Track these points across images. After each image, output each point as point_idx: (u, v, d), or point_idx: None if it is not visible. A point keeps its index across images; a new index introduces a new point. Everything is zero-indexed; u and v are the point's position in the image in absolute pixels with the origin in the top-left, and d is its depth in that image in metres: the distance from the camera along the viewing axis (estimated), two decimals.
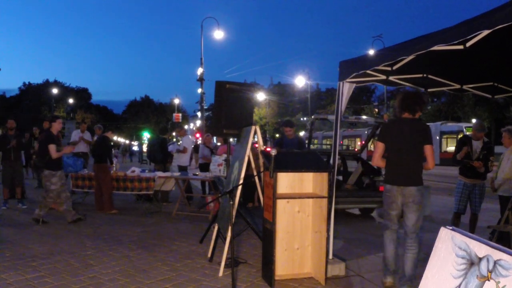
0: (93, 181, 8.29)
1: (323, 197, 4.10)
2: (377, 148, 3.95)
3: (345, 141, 39.46)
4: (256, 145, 6.14)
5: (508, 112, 32.60)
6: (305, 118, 52.13)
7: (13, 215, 7.64)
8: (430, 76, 5.01)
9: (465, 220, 5.94)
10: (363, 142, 15.00)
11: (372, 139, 9.49)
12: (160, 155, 9.50)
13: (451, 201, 6.31)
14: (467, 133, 24.37)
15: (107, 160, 8.18)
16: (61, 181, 6.88)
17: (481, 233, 5.42)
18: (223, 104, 4.95)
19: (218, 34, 22.65)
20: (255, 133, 4.65)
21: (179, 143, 11.52)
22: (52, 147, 6.69)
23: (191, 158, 10.20)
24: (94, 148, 8.94)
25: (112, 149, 9.55)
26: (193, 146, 10.34)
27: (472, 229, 5.73)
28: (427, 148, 3.80)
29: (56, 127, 7.05)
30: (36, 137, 11.34)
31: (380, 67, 4.25)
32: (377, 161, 3.99)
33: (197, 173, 8.64)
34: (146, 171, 8.61)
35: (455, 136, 26.52)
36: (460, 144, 5.86)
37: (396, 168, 3.88)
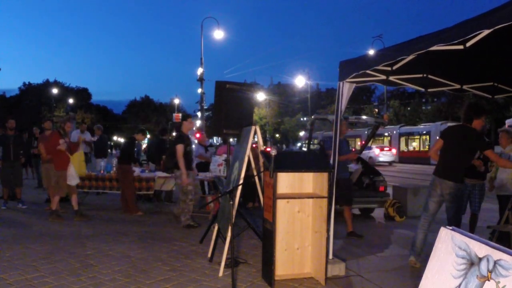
0: (114, 182, 8.25)
1: (323, 197, 4.10)
2: (436, 143, 4.74)
3: None
4: (255, 145, 6.14)
5: (508, 112, 32.58)
6: (305, 118, 52.15)
7: (13, 215, 7.64)
8: (430, 76, 5.01)
9: (465, 220, 5.93)
10: (363, 142, 15.00)
11: (372, 139, 9.50)
12: (159, 155, 9.50)
13: None
14: None
15: (130, 162, 8.07)
16: (194, 181, 6.76)
17: (481, 233, 5.42)
18: (223, 104, 4.95)
19: (218, 34, 22.66)
20: (255, 133, 4.65)
21: None
22: (180, 148, 6.44)
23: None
24: (121, 149, 8.90)
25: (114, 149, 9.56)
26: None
27: (471, 229, 5.73)
28: (487, 153, 4.43)
29: (187, 126, 6.83)
30: (36, 137, 11.33)
31: (380, 67, 4.26)
32: (432, 154, 4.78)
33: (197, 173, 8.64)
34: (146, 171, 8.61)
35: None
36: None
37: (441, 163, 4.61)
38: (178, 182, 6.62)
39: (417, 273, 4.29)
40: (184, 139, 6.59)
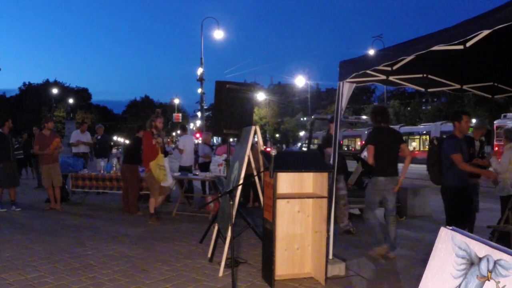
0: (121, 182, 8.14)
1: (323, 197, 4.10)
2: (370, 150, 5.12)
3: (345, 141, 39.47)
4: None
5: (508, 112, 32.57)
6: (305, 118, 52.13)
7: (13, 215, 7.63)
8: (430, 76, 5.01)
9: None
10: (363, 142, 14.99)
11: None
12: None
13: None
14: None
15: (137, 161, 7.96)
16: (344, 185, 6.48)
17: (481, 233, 5.42)
18: (223, 104, 4.96)
19: (218, 34, 22.66)
20: (255, 133, 4.65)
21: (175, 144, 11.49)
22: (328, 150, 6.03)
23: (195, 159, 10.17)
24: (127, 149, 8.81)
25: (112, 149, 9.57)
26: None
27: (470, 229, 5.72)
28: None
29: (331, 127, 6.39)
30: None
31: (380, 67, 4.25)
32: (372, 160, 5.15)
33: (197, 173, 8.64)
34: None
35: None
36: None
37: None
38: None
39: (417, 273, 4.29)
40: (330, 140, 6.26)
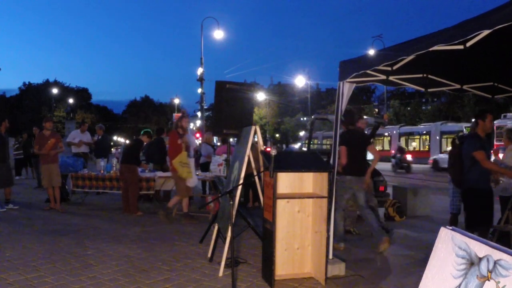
0: (121, 182, 8.13)
1: (323, 197, 4.10)
2: (343, 151, 5.35)
3: None
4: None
5: (508, 112, 32.57)
6: (305, 118, 52.13)
7: (13, 215, 7.63)
8: (430, 76, 5.01)
9: (463, 220, 5.93)
10: None
11: (372, 139, 9.47)
12: (157, 155, 9.49)
13: None
14: (464, 132, 24.38)
15: (136, 162, 8.03)
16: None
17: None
18: (223, 104, 4.95)
19: (218, 34, 22.66)
20: (255, 133, 4.65)
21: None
22: (372, 148, 5.88)
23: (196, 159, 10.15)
24: (127, 149, 8.85)
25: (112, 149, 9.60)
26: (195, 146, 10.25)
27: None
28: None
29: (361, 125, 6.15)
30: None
31: (380, 67, 4.26)
32: (344, 161, 5.40)
33: (197, 173, 8.64)
34: (146, 171, 8.61)
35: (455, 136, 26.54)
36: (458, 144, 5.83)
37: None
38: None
39: (417, 273, 4.29)
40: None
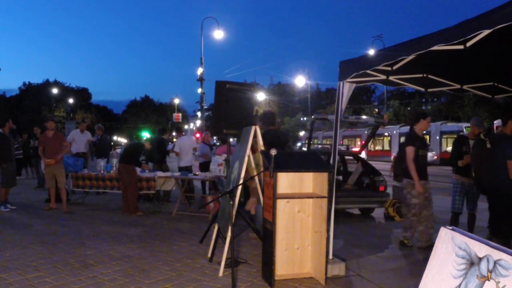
0: (120, 182, 8.12)
1: (323, 197, 4.10)
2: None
3: (345, 141, 39.48)
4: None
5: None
6: (305, 118, 52.13)
7: (13, 215, 7.63)
8: (430, 76, 5.01)
9: (463, 220, 5.93)
10: (363, 142, 15.00)
11: (372, 139, 9.50)
12: (157, 155, 9.50)
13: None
14: (464, 132, 24.37)
15: (135, 163, 8.07)
16: (425, 193, 5.46)
17: (481, 233, 5.42)
18: (223, 104, 4.95)
19: (218, 34, 22.69)
20: (255, 133, 4.65)
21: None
22: (410, 150, 5.35)
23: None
24: (127, 150, 8.90)
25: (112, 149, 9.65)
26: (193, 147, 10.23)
27: (470, 229, 5.72)
28: None
29: (422, 126, 5.61)
30: (37, 137, 11.32)
31: (380, 67, 4.25)
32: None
33: (197, 173, 8.64)
34: (146, 171, 8.61)
35: (455, 136, 26.52)
36: (458, 144, 5.83)
37: None
38: (408, 196, 5.44)
39: (417, 273, 4.29)
40: (415, 140, 5.46)
